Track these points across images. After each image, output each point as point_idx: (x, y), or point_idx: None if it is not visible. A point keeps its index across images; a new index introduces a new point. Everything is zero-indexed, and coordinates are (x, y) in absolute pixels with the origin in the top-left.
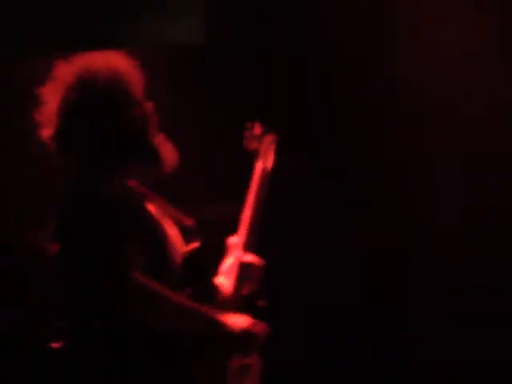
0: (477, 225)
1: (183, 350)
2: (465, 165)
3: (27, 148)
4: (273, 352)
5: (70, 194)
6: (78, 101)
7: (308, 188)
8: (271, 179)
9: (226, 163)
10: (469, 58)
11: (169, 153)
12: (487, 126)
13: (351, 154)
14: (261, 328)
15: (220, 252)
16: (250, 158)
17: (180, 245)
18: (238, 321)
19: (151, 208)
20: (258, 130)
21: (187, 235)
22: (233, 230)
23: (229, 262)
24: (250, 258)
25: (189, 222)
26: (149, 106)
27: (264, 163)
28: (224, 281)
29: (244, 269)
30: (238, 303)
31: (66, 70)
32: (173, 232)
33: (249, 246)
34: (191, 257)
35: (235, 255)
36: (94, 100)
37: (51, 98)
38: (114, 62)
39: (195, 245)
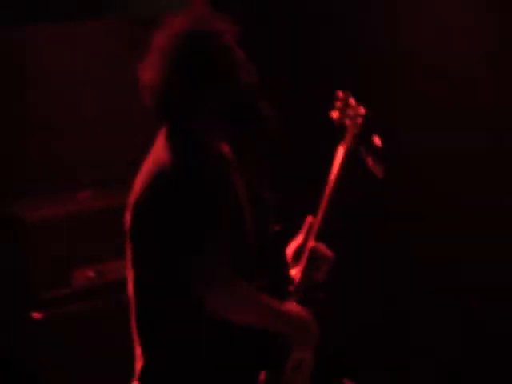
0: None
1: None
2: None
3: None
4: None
5: (174, 165)
6: (192, 64)
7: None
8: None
9: None
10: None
11: (271, 114)
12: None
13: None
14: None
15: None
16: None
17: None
18: (306, 315)
19: (236, 178)
20: (352, 101)
21: (261, 208)
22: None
23: (295, 247)
24: (322, 248)
25: (266, 194)
26: (251, 66)
27: (347, 144)
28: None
29: (314, 260)
30: (300, 295)
31: (169, 36)
32: (248, 208)
33: (320, 235)
34: (271, 242)
35: (305, 241)
36: (209, 61)
37: (154, 68)
38: (215, 23)
39: (276, 228)
